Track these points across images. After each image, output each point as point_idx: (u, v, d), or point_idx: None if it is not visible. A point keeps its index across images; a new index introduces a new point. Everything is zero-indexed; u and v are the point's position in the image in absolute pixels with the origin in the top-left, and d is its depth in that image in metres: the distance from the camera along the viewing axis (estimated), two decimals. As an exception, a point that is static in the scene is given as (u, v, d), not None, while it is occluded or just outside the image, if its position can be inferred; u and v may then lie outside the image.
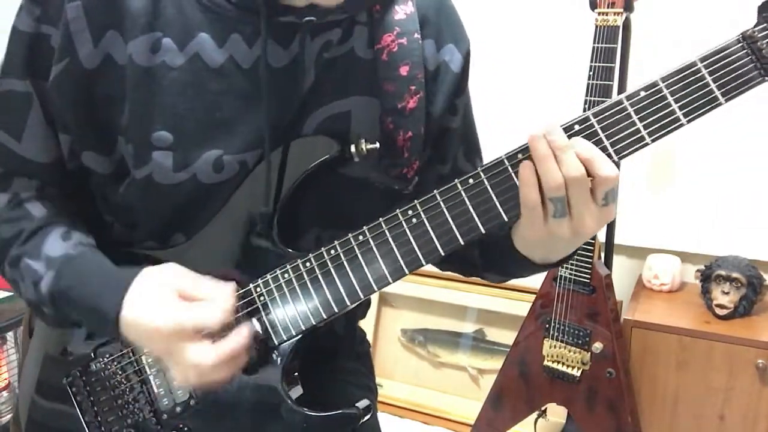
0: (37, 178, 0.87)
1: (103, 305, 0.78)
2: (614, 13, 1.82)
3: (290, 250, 0.83)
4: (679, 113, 0.71)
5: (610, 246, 2.11)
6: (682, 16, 2.11)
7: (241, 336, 0.75)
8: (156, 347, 0.77)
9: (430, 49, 0.88)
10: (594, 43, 1.84)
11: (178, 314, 0.74)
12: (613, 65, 1.83)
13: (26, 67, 0.81)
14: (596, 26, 1.84)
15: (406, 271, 0.78)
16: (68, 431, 0.90)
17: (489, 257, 0.92)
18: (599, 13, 1.84)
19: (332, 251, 0.80)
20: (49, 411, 0.92)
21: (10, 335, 2.19)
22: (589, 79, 1.84)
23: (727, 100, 0.71)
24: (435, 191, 0.77)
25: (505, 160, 0.75)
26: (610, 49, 1.83)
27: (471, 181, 0.76)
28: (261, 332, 0.81)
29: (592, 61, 1.84)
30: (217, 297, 0.75)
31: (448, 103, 0.91)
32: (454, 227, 0.76)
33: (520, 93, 2.34)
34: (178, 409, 0.86)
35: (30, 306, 0.86)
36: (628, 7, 1.83)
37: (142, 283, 0.78)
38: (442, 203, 0.76)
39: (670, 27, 2.10)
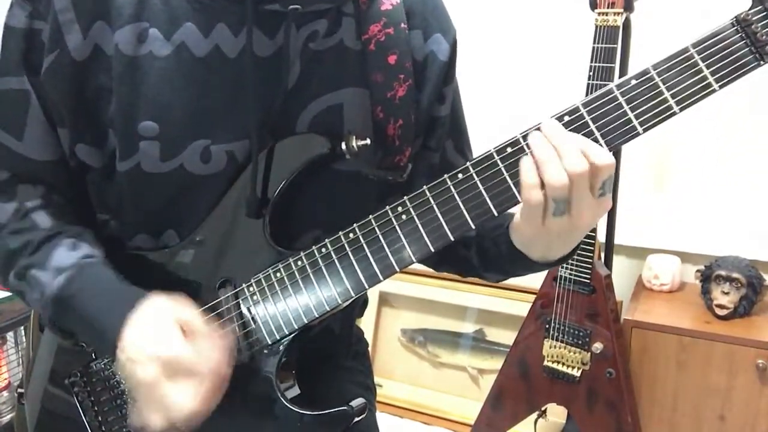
0: (41, 182, 0.86)
1: (107, 319, 0.77)
2: (614, 13, 1.82)
3: (281, 249, 0.83)
4: (671, 101, 0.70)
5: (610, 246, 2.11)
6: (682, 16, 2.10)
7: (223, 386, 0.74)
8: (143, 375, 0.73)
9: (418, 40, 0.89)
10: (594, 43, 1.84)
11: (179, 348, 0.73)
12: (613, 65, 1.83)
13: (21, 63, 0.82)
14: (596, 26, 1.84)
15: (397, 269, 0.78)
16: (81, 421, 0.90)
17: (486, 257, 0.91)
18: (599, 13, 1.83)
19: (323, 249, 0.80)
20: (63, 401, 0.92)
21: (10, 335, 2.19)
22: (589, 79, 1.84)
23: (721, 87, 0.69)
24: (424, 187, 0.76)
25: (494, 154, 0.74)
26: (610, 49, 1.82)
27: (460, 175, 0.75)
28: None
29: (592, 61, 1.84)
30: (218, 345, 0.74)
31: (437, 92, 0.91)
32: (443, 223, 0.76)
33: (520, 93, 2.34)
34: (174, 408, 0.86)
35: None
36: (628, 7, 1.82)
37: (150, 307, 0.77)
38: (431, 198, 0.76)
39: (670, 27, 2.10)
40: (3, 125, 0.84)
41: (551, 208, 0.71)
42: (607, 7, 1.82)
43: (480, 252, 0.91)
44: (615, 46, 1.82)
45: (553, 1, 2.27)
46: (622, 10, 1.81)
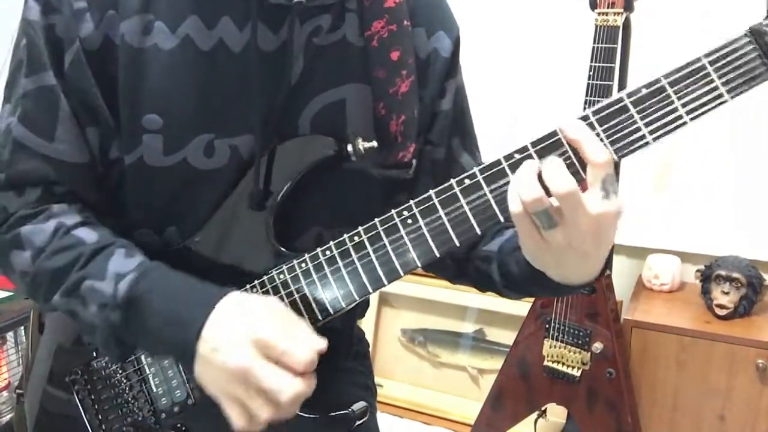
0: (73, 198, 0.84)
1: (187, 312, 0.73)
2: (614, 13, 1.82)
3: (284, 250, 0.83)
4: (681, 111, 0.69)
5: (610, 246, 2.10)
6: (682, 16, 2.10)
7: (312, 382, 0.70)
8: (235, 359, 0.68)
9: (421, 38, 0.89)
10: (594, 43, 1.84)
11: (274, 329, 0.69)
12: (613, 65, 1.83)
13: (48, 58, 0.80)
14: (596, 26, 1.84)
15: (402, 273, 0.78)
16: (81, 419, 0.90)
17: (509, 275, 0.88)
18: (599, 13, 1.84)
19: (327, 252, 0.80)
20: (63, 400, 0.91)
21: (10, 335, 2.19)
22: (589, 79, 1.84)
23: (732, 98, 0.69)
24: (431, 191, 0.76)
25: (502, 160, 0.73)
26: (610, 49, 1.83)
27: (467, 181, 0.75)
28: None
29: (592, 61, 1.84)
30: (312, 340, 0.71)
31: (439, 87, 0.91)
32: (449, 228, 0.75)
33: (520, 93, 2.34)
34: (176, 408, 0.86)
35: (86, 330, 0.81)
36: (628, 7, 1.83)
37: (237, 297, 0.74)
38: (437, 203, 0.76)
39: (670, 27, 2.10)
40: (33, 127, 0.81)
41: (536, 222, 0.69)
42: (607, 7, 1.82)
43: (501, 268, 0.89)
44: (615, 46, 1.83)
45: (553, 1, 2.27)
46: (622, 10, 1.82)
